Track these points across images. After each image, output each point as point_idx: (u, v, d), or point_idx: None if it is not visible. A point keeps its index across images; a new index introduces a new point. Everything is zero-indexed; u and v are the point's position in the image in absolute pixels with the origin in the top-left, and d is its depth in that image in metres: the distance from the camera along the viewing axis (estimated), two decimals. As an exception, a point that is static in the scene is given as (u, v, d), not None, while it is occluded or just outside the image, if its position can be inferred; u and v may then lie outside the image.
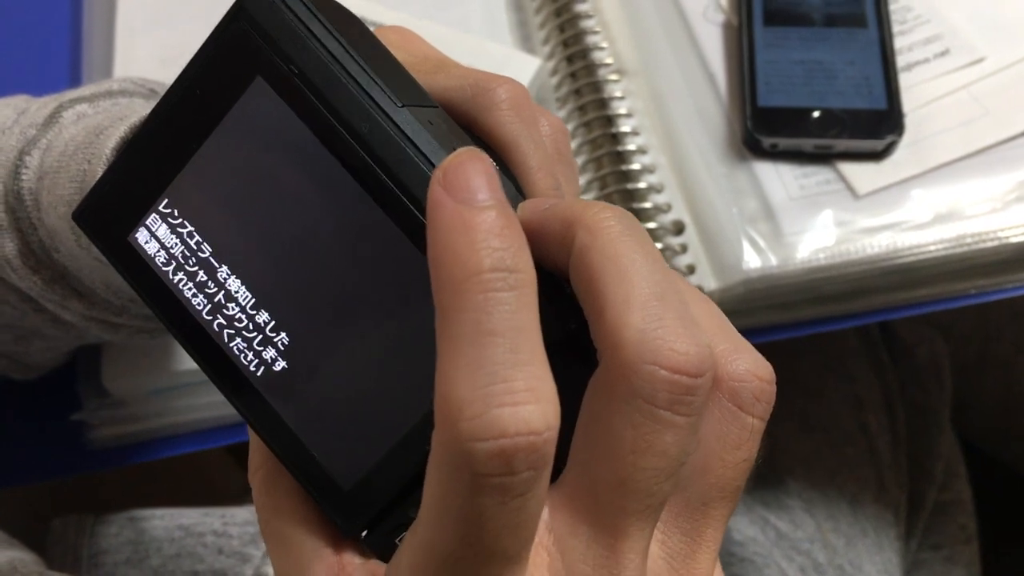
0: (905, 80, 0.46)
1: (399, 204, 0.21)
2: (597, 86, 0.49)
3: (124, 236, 0.23)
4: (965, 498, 0.62)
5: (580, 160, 0.48)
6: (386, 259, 0.22)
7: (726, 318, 0.23)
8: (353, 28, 0.23)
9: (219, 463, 0.63)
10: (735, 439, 0.21)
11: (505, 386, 0.17)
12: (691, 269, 0.44)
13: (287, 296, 0.22)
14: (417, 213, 0.21)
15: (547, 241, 0.21)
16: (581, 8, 0.52)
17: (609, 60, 0.50)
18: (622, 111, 0.48)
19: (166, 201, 0.23)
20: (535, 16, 0.53)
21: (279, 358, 0.23)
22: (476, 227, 0.18)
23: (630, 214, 0.21)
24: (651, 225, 0.45)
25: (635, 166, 0.46)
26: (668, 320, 0.19)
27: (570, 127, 0.49)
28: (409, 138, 0.21)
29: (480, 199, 0.18)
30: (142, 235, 0.23)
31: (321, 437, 0.23)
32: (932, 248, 0.42)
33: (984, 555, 0.64)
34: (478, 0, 0.54)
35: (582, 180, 0.47)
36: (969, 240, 0.42)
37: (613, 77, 0.49)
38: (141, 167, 0.23)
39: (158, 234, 0.23)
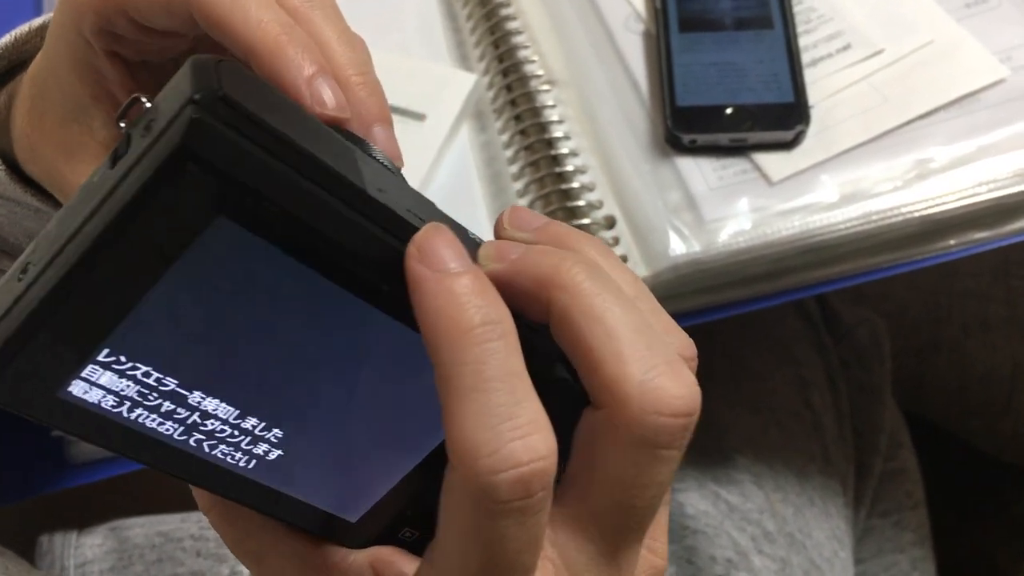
0: (810, 75, 0.50)
1: (377, 287, 0.21)
2: (530, 96, 0.53)
3: (53, 393, 0.20)
4: (910, 466, 0.65)
5: (518, 165, 0.51)
6: (371, 340, 0.22)
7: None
8: (282, 110, 0.21)
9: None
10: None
11: (512, 423, 0.20)
12: (623, 259, 0.47)
13: (277, 399, 0.22)
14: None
15: (519, 297, 0.22)
16: (512, 25, 0.55)
17: (540, 72, 0.54)
18: (554, 118, 0.52)
19: (106, 351, 0.20)
20: (470, 36, 0.57)
21: (273, 449, 0.23)
22: (459, 290, 0.20)
23: (592, 259, 0.23)
24: (585, 221, 0.48)
25: (568, 168, 0.50)
26: (661, 366, 0.21)
27: (507, 136, 0.52)
28: (383, 227, 0.21)
29: (454, 267, 0.21)
30: (78, 387, 0.20)
31: (325, 494, 0.25)
32: (842, 226, 0.46)
33: (942, 524, 0.68)
34: (416, 25, 0.58)
35: (520, 184, 0.51)
36: (875, 217, 0.46)
37: (544, 87, 0.53)
38: (63, 322, 0.19)
39: (100, 382, 0.20)
